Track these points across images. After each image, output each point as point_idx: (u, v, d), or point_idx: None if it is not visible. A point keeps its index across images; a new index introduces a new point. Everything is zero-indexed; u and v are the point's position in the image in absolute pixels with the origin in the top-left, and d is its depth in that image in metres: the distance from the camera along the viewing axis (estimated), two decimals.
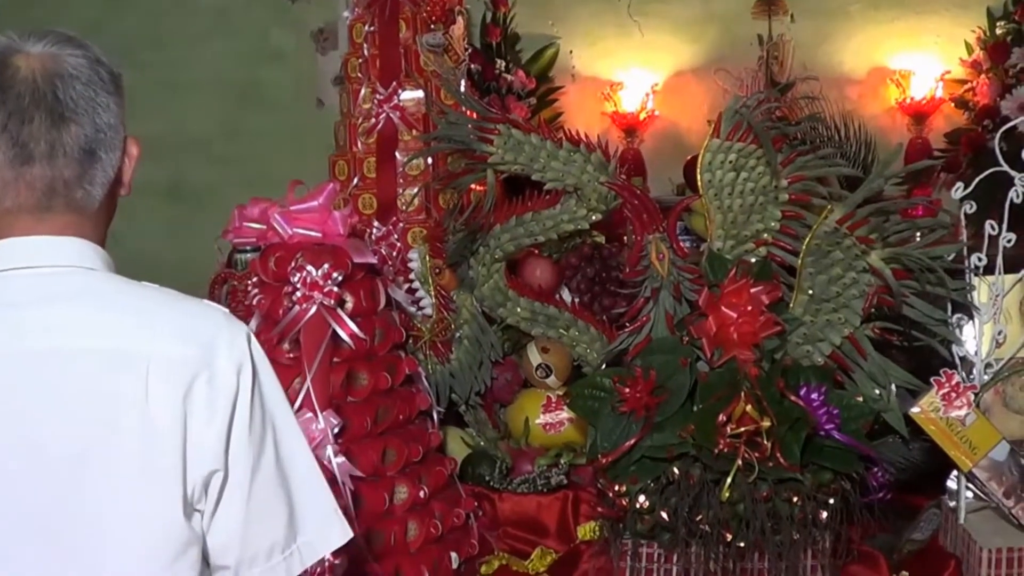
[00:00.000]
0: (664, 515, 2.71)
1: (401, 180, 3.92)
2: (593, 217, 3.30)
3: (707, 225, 3.01)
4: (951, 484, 3.09)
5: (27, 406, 1.73)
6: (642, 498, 2.72)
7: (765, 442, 2.64)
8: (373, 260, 2.96)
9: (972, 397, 2.92)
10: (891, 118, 6.01)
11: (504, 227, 3.37)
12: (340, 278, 2.78)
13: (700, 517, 2.68)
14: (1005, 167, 2.99)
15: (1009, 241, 2.97)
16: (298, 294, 2.73)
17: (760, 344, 2.78)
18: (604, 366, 3.20)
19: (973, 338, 3.02)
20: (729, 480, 2.63)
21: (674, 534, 2.73)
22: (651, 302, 2.96)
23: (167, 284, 1.90)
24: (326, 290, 2.75)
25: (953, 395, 2.92)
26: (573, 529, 3.23)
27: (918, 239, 2.92)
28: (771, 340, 2.81)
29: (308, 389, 2.69)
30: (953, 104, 5.89)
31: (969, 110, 5.81)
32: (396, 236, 3.83)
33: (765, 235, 2.98)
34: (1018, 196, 3.00)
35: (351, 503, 2.69)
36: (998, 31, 5.81)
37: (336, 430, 2.71)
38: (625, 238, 3.60)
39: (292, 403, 2.54)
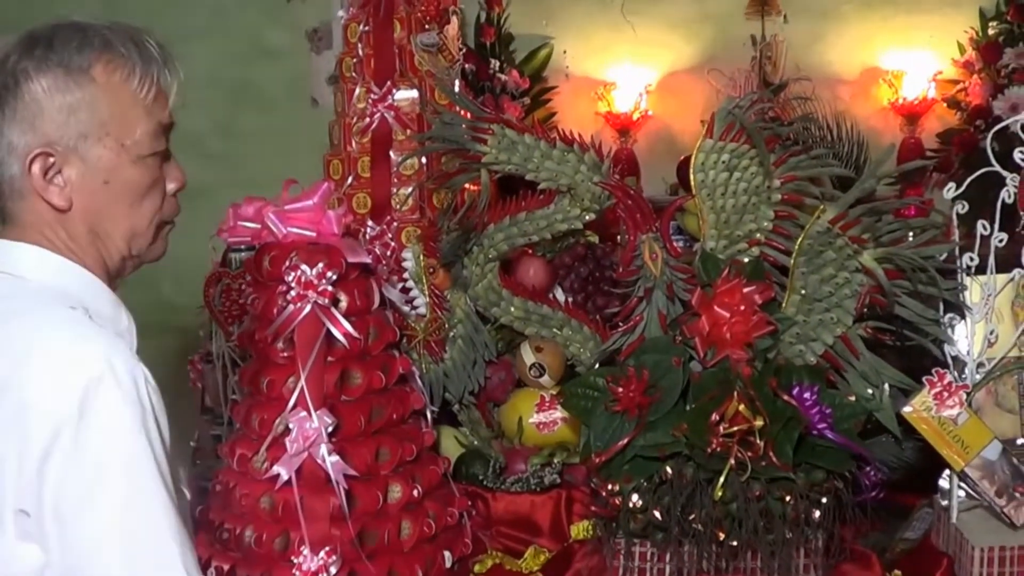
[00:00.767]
0: (657, 514, 2.72)
1: (395, 179, 3.93)
2: (587, 217, 3.31)
3: (700, 225, 3.02)
4: (943, 483, 3.10)
5: None
6: (635, 497, 2.73)
7: (758, 441, 2.64)
8: (367, 259, 2.96)
9: (964, 396, 2.93)
10: (883, 118, 6.01)
11: (498, 227, 3.38)
12: (334, 277, 2.78)
13: (693, 516, 2.69)
14: (997, 167, 3.00)
15: (1001, 241, 2.98)
16: (292, 293, 2.73)
17: (753, 344, 2.79)
18: (597, 365, 3.20)
19: (965, 337, 3.03)
20: (722, 479, 2.63)
21: (667, 533, 2.73)
22: (644, 302, 2.96)
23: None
24: (320, 289, 2.75)
25: (945, 394, 2.92)
26: (566, 528, 3.24)
27: (910, 239, 2.92)
28: (764, 340, 2.82)
29: (302, 388, 2.69)
30: (945, 104, 5.89)
31: (961, 110, 5.82)
32: (390, 235, 3.84)
33: (758, 235, 2.99)
34: (1010, 196, 3.00)
35: (345, 502, 2.69)
36: (990, 31, 5.81)
37: (330, 429, 2.71)
38: (618, 238, 3.62)
39: (286, 402, 2.55)
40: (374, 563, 2.74)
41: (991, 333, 3.02)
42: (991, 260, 2.99)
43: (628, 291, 3.02)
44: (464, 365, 3.52)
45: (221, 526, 2.81)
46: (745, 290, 2.79)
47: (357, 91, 4.03)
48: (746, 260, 2.97)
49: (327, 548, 2.63)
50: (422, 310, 3.55)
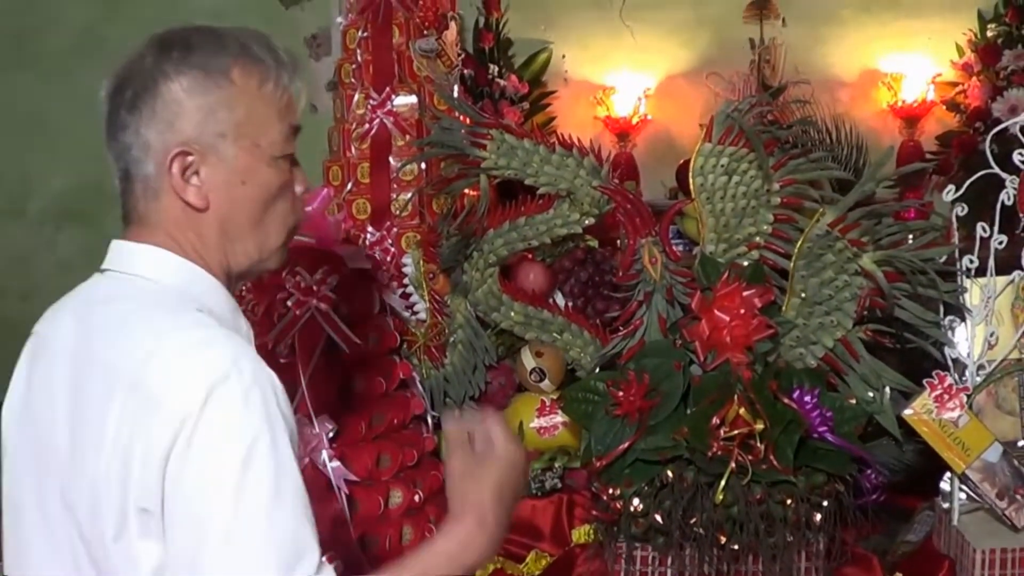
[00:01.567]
0: (658, 518, 2.72)
1: (395, 185, 3.92)
2: (586, 221, 3.31)
3: (699, 229, 3.02)
4: (944, 486, 3.10)
5: None
6: (636, 501, 2.73)
7: (758, 445, 2.65)
8: (367, 265, 2.97)
9: (965, 399, 2.93)
10: (882, 121, 6.00)
11: (497, 232, 3.38)
12: (335, 283, 2.78)
13: (694, 520, 2.69)
14: (996, 169, 3.00)
15: (1000, 243, 2.98)
16: (293, 299, 2.74)
17: (753, 347, 2.79)
18: (598, 370, 3.21)
19: (965, 340, 3.03)
20: (723, 483, 2.64)
21: (668, 537, 2.73)
22: (644, 306, 2.96)
23: None
24: (321, 295, 2.75)
25: (946, 397, 2.92)
26: (568, 532, 3.24)
27: (910, 241, 2.93)
28: (764, 343, 2.82)
29: (303, 394, 2.69)
30: (944, 106, 5.88)
31: (960, 112, 5.80)
32: (390, 241, 3.84)
33: (757, 238, 2.99)
34: (1009, 198, 3.01)
35: (346, 507, 2.70)
36: (989, 33, 5.80)
37: (331, 434, 2.72)
38: (618, 242, 3.62)
39: None
40: (376, 568, 2.74)
41: (991, 335, 3.02)
42: (991, 262, 2.99)
43: (628, 295, 3.03)
44: (464, 370, 3.52)
45: None
46: (745, 293, 2.80)
47: (356, 97, 4.02)
48: (746, 263, 2.97)
49: (328, 553, 2.63)
50: (422, 315, 3.55)
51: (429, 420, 3.31)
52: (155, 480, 1.80)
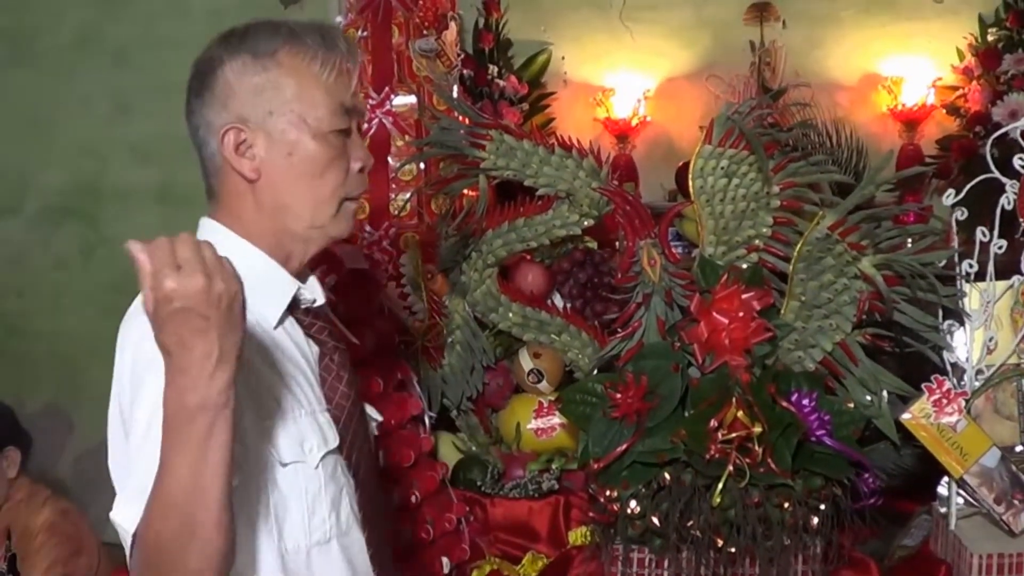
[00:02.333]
0: (655, 520, 2.71)
1: (393, 185, 3.92)
2: (585, 223, 3.31)
3: (699, 231, 3.02)
4: (942, 490, 3.10)
5: None
6: (633, 503, 2.73)
7: (756, 448, 2.64)
8: (365, 265, 2.96)
9: (963, 403, 2.93)
10: (882, 124, 6.00)
11: (496, 232, 3.38)
12: (332, 283, 2.78)
13: (691, 522, 2.69)
14: (996, 174, 3.00)
15: (1000, 247, 2.98)
16: None
17: (751, 350, 2.79)
18: (595, 371, 3.20)
19: (964, 344, 3.03)
20: (720, 485, 2.63)
21: (665, 539, 2.73)
22: (643, 308, 2.96)
23: None
24: None
25: (944, 401, 2.92)
26: (564, 534, 3.24)
27: (909, 245, 2.92)
28: (762, 346, 2.81)
29: None
30: (944, 110, 5.88)
31: (960, 116, 5.80)
32: (388, 241, 3.83)
33: (756, 241, 2.98)
34: (1009, 203, 3.00)
35: None
36: (989, 37, 5.80)
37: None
38: (617, 243, 3.61)
39: None
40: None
41: (990, 340, 3.02)
42: (990, 267, 2.99)
43: (626, 297, 3.02)
44: (462, 371, 3.52)
45: None
46: (744, 296, 2.79)
47: None
48: (745, 266, 2.97)
49: None
50: (420, 316, 3.55)
51: (427, 421, 3.30)
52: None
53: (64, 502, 4.15)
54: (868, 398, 2.96)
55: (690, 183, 2.98)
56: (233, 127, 2.17)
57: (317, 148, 2.19)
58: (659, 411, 2.75)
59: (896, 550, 3.06)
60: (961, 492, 3.01)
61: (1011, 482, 2.95)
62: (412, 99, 3.98)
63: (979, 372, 3.02)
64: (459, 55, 4.30)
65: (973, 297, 3.02)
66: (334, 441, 2.22)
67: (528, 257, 3.67)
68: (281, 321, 2.24)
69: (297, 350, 2.25)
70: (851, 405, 2.92)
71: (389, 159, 3.94)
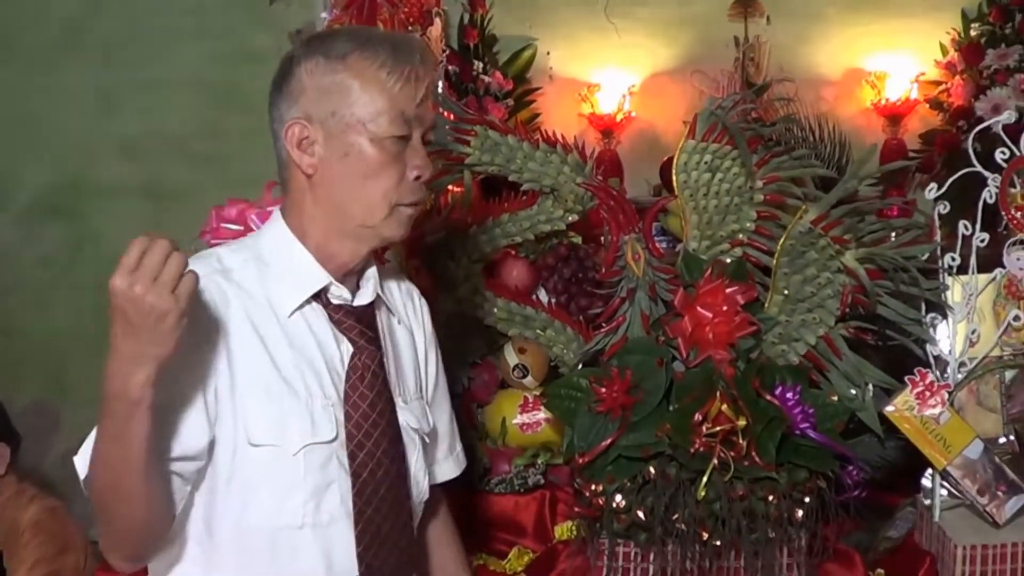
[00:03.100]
0: (640, 514, 2.72)
1: None
2: (570, 218, 3.32)
3: (683, 226, 3.02)
4: (926, 482, 3.11)
5: None
6: (619, 497, 2.73)
7: (741, 441, 2.65)
8: None
9: (946, 396, 2.94)
10: (866, 119, 6.02)
11: (481, 228, 3.38)
12: None
13: (676, 516, 2.69)
14: (979, 168, 3.01)
15: (982, 241, 2.99)
16: None
17: (735, 344, 2.79)
18: (580, 366, 3.21)
19: (947, 337, 3.04)
20: (705, 479, 2.64)
21: (650, 533, 2.74)
22: (627, 302, 2.96)
23: None
24: None
25: (927, 394, 2.94)
26: (550, 529, 3.25)
27: (892, 239, 2.93)
28: (746, 340, 2.82)
29: None
30: (928, 105, 5.91)
31: (944, 111, 5.83)
32: None
33: (740, 235, 2.99)
34: (991, 196, 3.02)
35: None
36: (972, 32, 5.83)
37: None
38: (601, 239, 3.62)
39: None
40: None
41: (973, 332, 3.03)
42: (973, 260, 3.01)
43: (611, 292, 3.02)
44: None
45: None
46: (728, 290, 2.80)
47: None
48: (729, 260, 2.97)
49: None
50: None
51: None
52: None
53: (51, 500, 4.15)
54: (852, 391, 2.97)
55: (674, 178, 2.99)
56: (298, 122, 2.26)
57: (372, 151, 2.26)
58: (644, 405, 2.76)
59: (881, 542, 3.07)
60: (945, 484, 3.02)
61: (994, 474, 2.97)
62: None
63: (962, 365, 3.04)
64: (444, 51, 4.31)
65: (956, 290, 3.04)
66: (328, 434, 2.26)
67: (513, 252, 3.67)
68: (297, 311, 2.30)
69: (314, 341, 2.31)
70: (835, 398, 2.92)
71: None
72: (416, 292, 2.69)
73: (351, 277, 2.40)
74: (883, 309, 2.93)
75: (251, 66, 6.17)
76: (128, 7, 6.09)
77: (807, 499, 2.74)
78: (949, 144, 5.66)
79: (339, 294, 2.36)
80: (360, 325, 2.37)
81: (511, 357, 3.48)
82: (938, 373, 2.99)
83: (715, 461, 2.63)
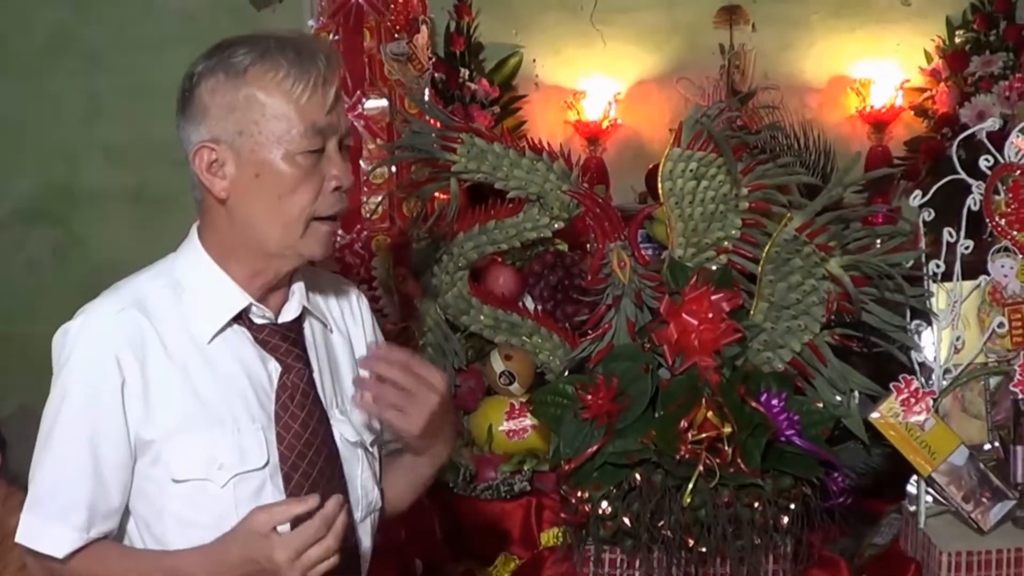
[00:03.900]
0: (626, 521, 2.72)
1: (365, 188, 3.93)
2: (556, 225, 3.32)
3: (668, 233, 3.03)
4: (911, 489, 3.11)
5: None
6: (604, 504, 2.74)
7: (726, 448, 2.66)
8: (337, 269, 2.96)
9: (931, 403, 2.95)
10: (851, 126, 6.02)
11: (467, 235, 3.39)
12: None
13: (662, 523, 2.70)
14: (963, 175, 3.02)
15: (967, 248, 3.00)
16: None
17: (721, 351, 2.80)
18: (566, 373, 3.21)
19: (932, 344, 3.05)
20: (691, 486, 2.65)
21: (636, 540, 2.74)
22: (613, 309, 2.97)
23: None
24: None
25: (912, 401, 2.94)
26: (536, 535, 3.25)
27: (877, 246, 2.94)
28: (732, 347, 2.83)
29: None
30: (913, 112, 5.91)
31: (928, 118, 5.83)
32: (360, 244, 3.84)
33: (726, 243, 3.00)
34: (976, 203, 3.03)
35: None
36: (957, 40, 5.83)
37: None
38: (588, 246, 3.62)
39: None
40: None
41: (957, 339, 3.04)
42: (957, 267, 3.01)
43: (597, 299, 3.03)
44: None
45: None
46: (713, 297, 2.81)
47: None
48: (714, 268, 2.98)
49: None
50: (392, 319, 3.55)
51: None
52: None
53: None
54: (837, 398, 2.98)
55: (660, 186, 2.99)
56: (205, 146, 2.16)
57: (285, 169, 2.16)
58: (629, 412, 2.76)
59: (866, 548, 3.08)
60: (930, 490, 3.03)
61: (979, 480, 2.97)
62: (384, 102, 3.99)
63: (947, 371, 3.05)
64: (430, 58, 4.31)
65: (940, 297, 3.04)
66: (258, 461, 2.19)
67: (499, 260, 3.68)
68: (217, 335, 2.22)
69: (238, 365, 2.24)
70: (820, 405, 2.93)
71: (361, 162, 3.94)
72: (355, 292, 2.57)
73: (276, 293, 2.32)
74: (868, 316, 2.94)
75: None
76: (115, 14, 6.07)
77: (792, 506, 2.75)
78: (934, 151, 5.66)
79: (261, 313, 2.27)
80: (286, 343, 2.29)
81: (497, 364, 3.48)
82: (923, 380, 3.00)
83: (701, 468, 2.64)
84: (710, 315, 2.80)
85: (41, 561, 2.17)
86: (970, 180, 3.03)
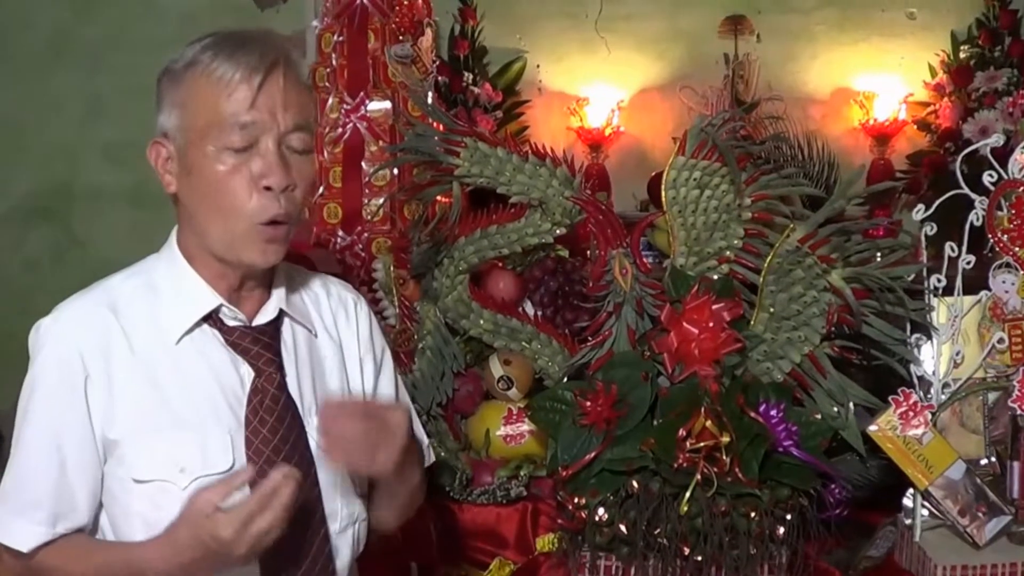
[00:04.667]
0: (623, 528, 2.72)
1: (367, 190, 3.93)
2: (557, 231, 3.32)
3: (670, 241, 3.03)
4: (907, 502, 3.11)
5: None
6: (601, 511, 2.73)
7: (724, 457, 2.65)
8: (337, 270, 2.96)
9: (929, 416, 2.94)
10: (854, 139, 6.04)
11: (469, 239, 3.38)
12: None
13: (658, 531, 2.69)
14: (966, 190, 3.02)
15: (968, 263, 3.00)
16: None
17: (721, 360, 2.80)
18: (565, 379, 3.21)
19: (931, 358, 3.04)
20: (688, 494, 2.64)
21: (632, 547, 2.73)
22: (613, 317, 2.97)
23: None
24: None
25: (911, 414, 2.94)
26: (532, 541, 3.24)
27: (878, 259, 2.94)
28: (732, 356, 2.82)
29: None
30: (916, 126, 5.92)
31: (931, 132, 5.85)
32: (361, 246, 3.84)
33: (727, 252, 3.00)
34: (978, 219, 3.03)
35: None
36: (962, 55, 5.85)
37: None
38: (589, 252, 3.62)
39: None
40: None
41: (957, 354, 3.04)
42: (958, 282, 3.01)
43: (597, 306, 3.03)
44: (432, 376, 3.52)
45: None
46: (714, 307, 2.80)
47: (330, 101, 4.03)
48: (716, 277, 2.98)
49: None
50: (391, 321, 3.55)
51: None
52: None
53: None
54: (835, 410, 2.98)
55: (662, 194, 2.99)
56: (157, 141, 2.22)
57: (211, 166, 2.14)
58: (628, 420, 2.76)
59: (861, 561, 3.07)
60: (926, 504, 3.02)
61: (975, 495, 2.97)
62: (387, 104, 3.99)
63: (945, 385, 3.04)
64: (434, 62, 4.31)
65: (941, 311, 3.04)
66: (223, 464, 2.17)
67: (500, 264, 3.67)
68: (185, 336, 2.22)
69: (206, 367, 2.22)
70: (819, 416, 2.93)
71: (363, 164, 3.95)
72: (351, 298, 2.55)
73: (252, 295, 2.30)
74: (868, 329, 2.93)
75: None
76: (115, 13, 6.09)
77: (789, 516, 2.74)
78: (936, 166, 5.67)
79: (233, 315, 2.26)
80: (257, 346, 2.26)
81: (496, 369, 3.48)
82: (922, 393, 2.99)
83: (698, 477, 2.63)
84: (711, 324, 2.80)
85: (11, 553, 2.20)
86: (973, 195, 3.02)
